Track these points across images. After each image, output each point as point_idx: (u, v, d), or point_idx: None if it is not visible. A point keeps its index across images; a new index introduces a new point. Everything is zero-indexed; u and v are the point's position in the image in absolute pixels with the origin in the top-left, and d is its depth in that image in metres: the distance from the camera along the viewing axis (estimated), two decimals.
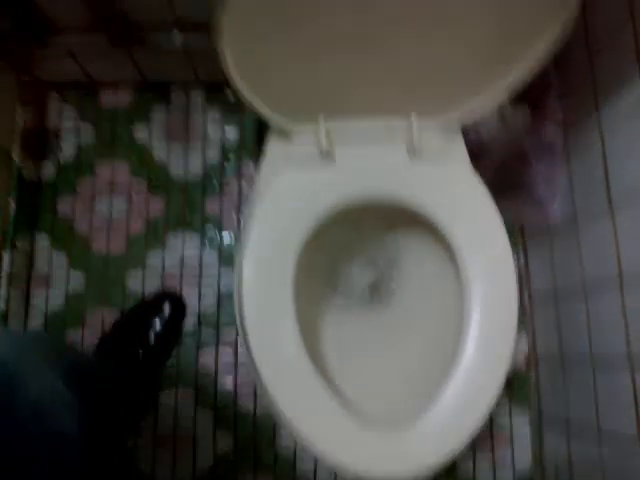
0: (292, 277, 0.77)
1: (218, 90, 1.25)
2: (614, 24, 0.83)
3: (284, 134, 0.86)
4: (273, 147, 0.88)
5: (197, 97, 1.26)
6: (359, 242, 0.96)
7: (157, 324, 1.09)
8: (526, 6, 0.68)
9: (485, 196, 0.82)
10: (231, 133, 1.25)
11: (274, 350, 0.76)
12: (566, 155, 0.99)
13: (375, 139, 0.85)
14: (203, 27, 0.99)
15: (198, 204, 1.21)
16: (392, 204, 0.84)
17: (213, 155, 1.23)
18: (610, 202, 0.85)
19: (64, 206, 1.21)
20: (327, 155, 0.84)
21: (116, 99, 1.26)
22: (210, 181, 1.22)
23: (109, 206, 1.21)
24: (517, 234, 1.18)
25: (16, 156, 1.17)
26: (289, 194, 0.82)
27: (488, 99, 0.82)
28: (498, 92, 0.80)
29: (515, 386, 1.14)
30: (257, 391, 1.14)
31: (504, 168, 1.04)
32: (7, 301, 1.11)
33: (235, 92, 0.77)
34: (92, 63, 1.18)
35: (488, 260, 0.80)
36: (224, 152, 1.23)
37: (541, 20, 0.69)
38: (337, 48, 0.73)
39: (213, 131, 1.25)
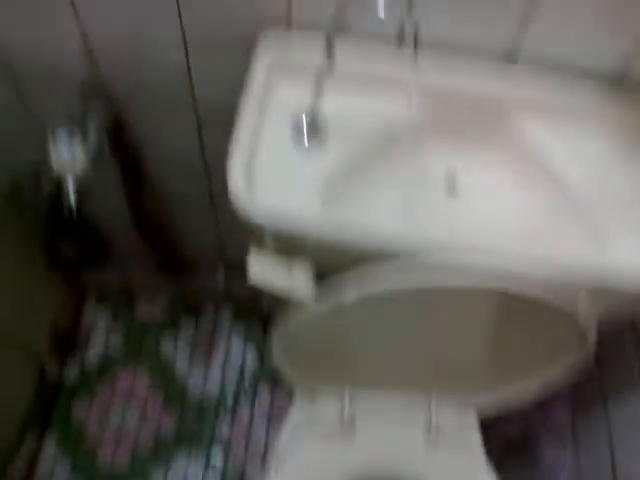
0: None
1: (247, 309, 1.32)
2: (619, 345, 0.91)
3: (309, 392, 0.91)
4: (298, 403, 0.93)
5: (226, 313, 1.34)
6: None
7: None
8: (549, 338, 0.76)
9: None
10: (253, 354, 1.30)
11: None
12: (574, 437, 1.02)
13: (396, 411, 0.91)
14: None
15: (209, 425, 1.23)
16: None
17: (232, 375, 1.28)
18: None
19: (79, 409, 1.23)
20: (349, 422, 0.89)
21: (149, 308, 1.34)
22: (225, 402, 1.25)
23: (123, 415, 1.23)
24: None
25: (44, 354, 1.21)
26: (308, 466, 0.86)
27: (505, 396, 0.88)
28: (515, 393, 0.87)
29: None
30: None
31: (513, 441, 1.08)
32: None
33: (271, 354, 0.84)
34: (135, 278, 1.27)
35: None
36: (243, 374, 1.28)
37: (559, 352, 0.77)
38: (375, 345, 0.80)
39: (236, 350, 1.31)
